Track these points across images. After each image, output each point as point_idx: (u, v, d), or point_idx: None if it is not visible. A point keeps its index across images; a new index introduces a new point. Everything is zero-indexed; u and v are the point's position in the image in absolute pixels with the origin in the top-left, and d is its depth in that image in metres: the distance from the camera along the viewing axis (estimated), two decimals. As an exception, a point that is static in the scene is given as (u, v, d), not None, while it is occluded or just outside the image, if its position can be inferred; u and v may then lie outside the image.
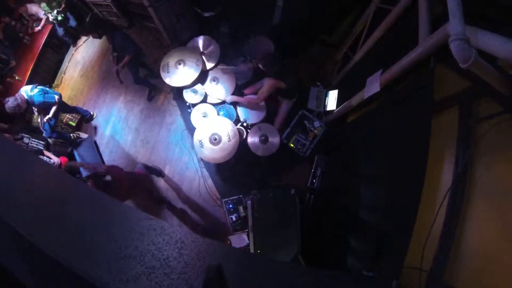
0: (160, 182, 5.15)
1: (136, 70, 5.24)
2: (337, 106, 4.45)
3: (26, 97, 4.46)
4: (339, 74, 4.91)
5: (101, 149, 5.26)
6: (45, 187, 1.58)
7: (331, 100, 4.65)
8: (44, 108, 4.70)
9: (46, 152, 4.86)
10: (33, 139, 5.03)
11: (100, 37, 4.75)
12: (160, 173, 5.06)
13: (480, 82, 1.85)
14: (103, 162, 5.08)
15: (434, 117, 2.33)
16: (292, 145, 4.50)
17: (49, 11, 5.63)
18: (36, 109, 4.71)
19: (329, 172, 4.48)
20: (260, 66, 4.18)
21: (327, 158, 4.56)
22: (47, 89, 4.79)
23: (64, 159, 4.90)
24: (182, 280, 1.05)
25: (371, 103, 3.60)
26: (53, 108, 4.73)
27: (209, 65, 4.54)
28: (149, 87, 5.62)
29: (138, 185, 4.31)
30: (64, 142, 5.30)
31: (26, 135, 5.00)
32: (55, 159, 4.74)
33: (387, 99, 3.29)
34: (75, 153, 5.12)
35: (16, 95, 4.42)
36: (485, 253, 1.67)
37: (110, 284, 0.97)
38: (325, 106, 4.71)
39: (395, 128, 3.00)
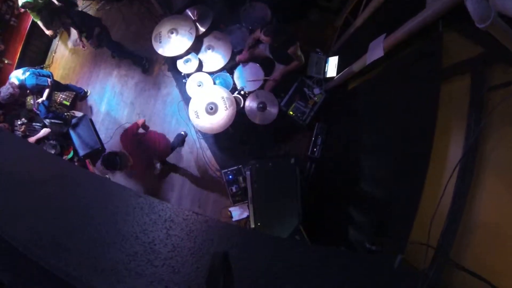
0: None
1: (114, 44, 5.20)
2: (337, 73, 4.27)
3: (17, 82, 4.33)
4: (339, 40, 4.69)
5: (97, 126, 5.16)
6: (24, 168, 1.48)
7: (331, 67, 4.46)
8: (38, 90, 4.61)
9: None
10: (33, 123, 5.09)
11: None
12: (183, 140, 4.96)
13: (494, 47, 1.65)
14: (99, 140, 4.98)
15: (442, 85, 2.15)
16: (291, 112, 4.36)
17: None
18: (29, 91, 4.60)
19: (330, 140, 4.37)
20: (264, 37, 3.68)
21: (327, 126, 4.44)
22: (39, 70, 4.66)
23: None
24: (167, 267, 0.93)
25: (373, 69, 3.39)
26: (47, 91, 4.63)
27: (203, 32, 4.34)
28: (138, 59, 5.45)
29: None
30: (60, 123, 5.21)
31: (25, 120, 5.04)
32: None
33: (391, 65, 3.09)
34: (71, 132, 5.03)
35: (7, 83, 4.29)
36: (495, 229, 1.57)
37: (81, 277, 0.88)
38: (325, 72, 4.53)
39: (399, 96, 2.81)
